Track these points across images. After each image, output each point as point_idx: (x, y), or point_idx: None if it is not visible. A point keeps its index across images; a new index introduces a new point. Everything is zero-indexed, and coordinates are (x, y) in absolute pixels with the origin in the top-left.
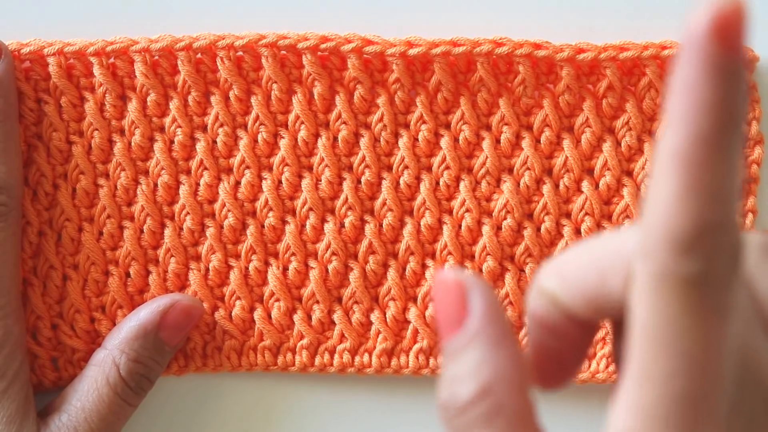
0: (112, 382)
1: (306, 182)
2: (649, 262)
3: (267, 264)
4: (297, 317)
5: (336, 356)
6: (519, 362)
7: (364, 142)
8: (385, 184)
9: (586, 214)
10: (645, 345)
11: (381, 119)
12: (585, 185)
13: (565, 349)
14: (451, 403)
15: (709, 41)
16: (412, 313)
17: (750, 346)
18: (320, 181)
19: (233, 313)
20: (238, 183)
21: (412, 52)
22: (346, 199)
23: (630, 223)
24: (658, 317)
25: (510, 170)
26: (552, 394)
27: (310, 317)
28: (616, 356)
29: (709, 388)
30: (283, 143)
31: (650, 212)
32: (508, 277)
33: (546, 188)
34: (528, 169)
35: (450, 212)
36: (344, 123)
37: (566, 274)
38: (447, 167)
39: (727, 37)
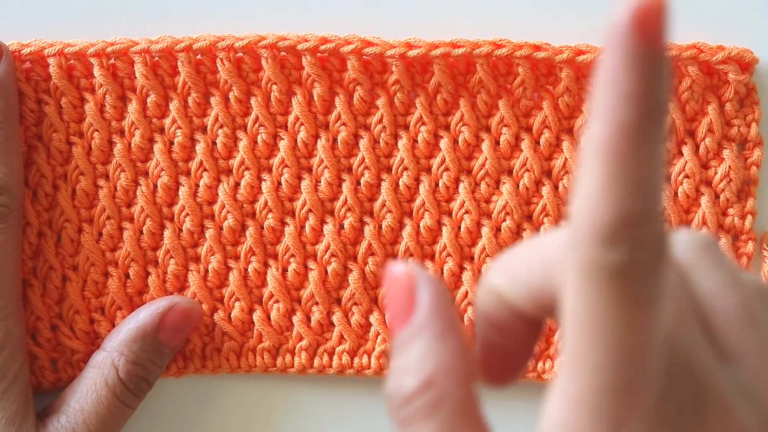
0: (111, 384)
1: (305, 184)
2: (576, 254)
3: (266, 265)
4: (296, 319)
5: (335, 358)
6: (464, 355)
7: (363, 143)
8: (385, 186)
9: None
10: (574, 336)
11: (380, 120)
12: None
13: (512, 347)
14: (397, 395)
15: (629, 33)
16: None
17: (683, 339)
18: (320, 182)
19: (232, 315)
20: (237, 184)
21: (412, 53)
22: (346, 200)
23: None
24: (585, 308)
25: (509, 172)
26: (499, 390)
27: (309, 319)
28: None
29: (636, 378)
30: (283, 144)
31: (576, 203)
32: None
33: (545, 190)
34: (527, 170)
35: (449, 214)
36: (344, 124)
37: (513, 271)
38: (446, 169)
39: (647, 30)
